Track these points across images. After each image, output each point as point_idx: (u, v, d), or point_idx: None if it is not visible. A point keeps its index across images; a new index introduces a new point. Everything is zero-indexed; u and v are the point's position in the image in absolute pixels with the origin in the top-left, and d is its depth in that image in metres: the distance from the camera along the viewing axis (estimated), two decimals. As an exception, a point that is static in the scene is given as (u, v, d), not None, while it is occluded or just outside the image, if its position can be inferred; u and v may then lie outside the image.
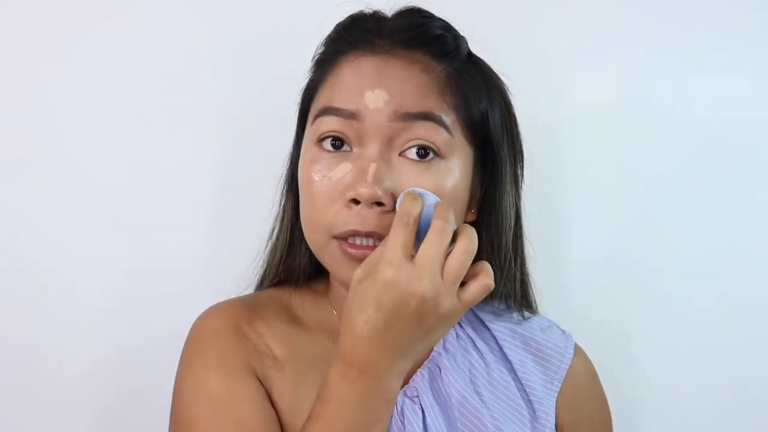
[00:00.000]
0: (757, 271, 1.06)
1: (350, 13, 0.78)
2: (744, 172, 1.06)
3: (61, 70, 0.99)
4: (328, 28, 0.79)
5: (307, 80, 0.79)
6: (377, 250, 0.65)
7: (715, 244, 1.06)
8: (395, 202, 0.69)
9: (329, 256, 0.73)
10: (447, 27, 0.77)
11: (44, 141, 0.99)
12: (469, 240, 0.64)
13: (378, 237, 0.69)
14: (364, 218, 0.69)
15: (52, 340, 0.99)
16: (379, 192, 0.69)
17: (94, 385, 1.00)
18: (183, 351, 0.77)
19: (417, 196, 0.66)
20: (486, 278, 0.65)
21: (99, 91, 0.99)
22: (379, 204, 0.69)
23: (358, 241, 0.71)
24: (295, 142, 0.82)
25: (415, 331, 0.64)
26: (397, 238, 0.63)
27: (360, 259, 0.69)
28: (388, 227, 0.67)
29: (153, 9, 1.00)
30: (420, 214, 0.65)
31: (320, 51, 0.79)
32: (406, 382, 0.77)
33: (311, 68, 0.79)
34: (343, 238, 0.71)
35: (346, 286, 0.73)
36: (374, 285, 0.63)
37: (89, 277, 1.00)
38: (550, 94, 1.03)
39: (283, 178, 0.83)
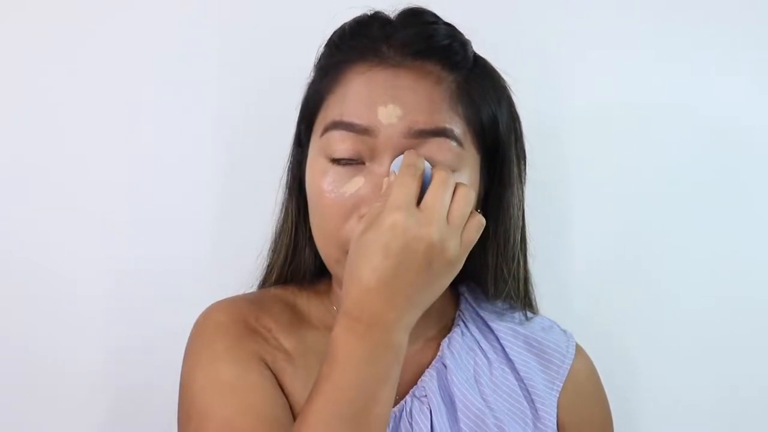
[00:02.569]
0: (757, 272, 1.06)
1: (353, 17, 0.77)
2: (744, 172, 1.06)
3: (62, 69, 0.99)
4: (332, 29, 0.78)
5: (309, 84, 0.78)
6: (377, 204, 0.65)
7: (716, 244, 1.06)
8: None
9: (344, 269, 0.71)
10: (453, 33, 0.76)
11: (46, 141, 0.99)
12: (468, 188, 0.66)
13: None
14: None
15: (54, 340, 0.99)
16: None
17: (96, 384, 1.00)
18: (189, 345, 0.76)
19: (419, 155, 0.68)
20: (476, 215, 0.67)
21: (100, 91, 0.99)
22: None
23: None
24: (295, 143, 0.81)
25: (423, 278, 0.63)
26: (404, 186, 0.64)
27: None
28: None
29: (153, 9, 1.00)
30: (424, 170, 0.66)
31: (324, 57, 0.78)
32: (414, 382, 0.77)
33: (314, 73, 0.78)
34: None
35: None
36: (380, 231, 0.62)
37: (91, 277, 0.99)
38: (550, 94, 1.03)
39: (284, 179, 0.83)
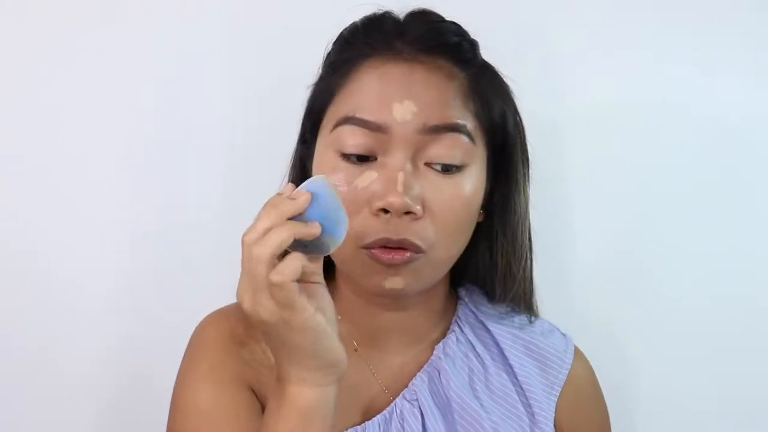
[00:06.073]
0: (758, 272, 1.06)
1: (363, 15, 0.78)
2: (745, 172, 1.06)
3: (62, 69, 0.99)
4: (337, 29, 0.78)
5: (317, 81, 0.78)
6: None
7: (716, 244, 1.06)
8: (424, 210, 0.70)
9: (358, 265, 0.72)
10: (461, 32, 0.77)
11: (46, 141, 0.99)
12: None
13: (410, 244, 0.69)
14: (395, 226, 0.69)
15: (54, 340, 0.99)
16: (409, 201, 0.68)
17: (96, 384, 1.00)
18: (182, 360, 0.77)
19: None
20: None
21: (102, 91, 0.99)
22: (409, 213, 0.69)
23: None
24: (299, 141, 0.81)
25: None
26: None
27: (391, 265, 0.70)
28: (419, 234, 0.69)
29: (156, 8, 1.00)
30: None
31: (334, 53, 0.78)
32: (405, 385, 0.77)
33: (324, 69, 0.78)
34: (372, 247, 0.70)
35: (373, 293, 0.74)
36: None
37: (92, 277, 1.00)
38: (551, 95, 1.03)
39: (288, 173, 0.82)
